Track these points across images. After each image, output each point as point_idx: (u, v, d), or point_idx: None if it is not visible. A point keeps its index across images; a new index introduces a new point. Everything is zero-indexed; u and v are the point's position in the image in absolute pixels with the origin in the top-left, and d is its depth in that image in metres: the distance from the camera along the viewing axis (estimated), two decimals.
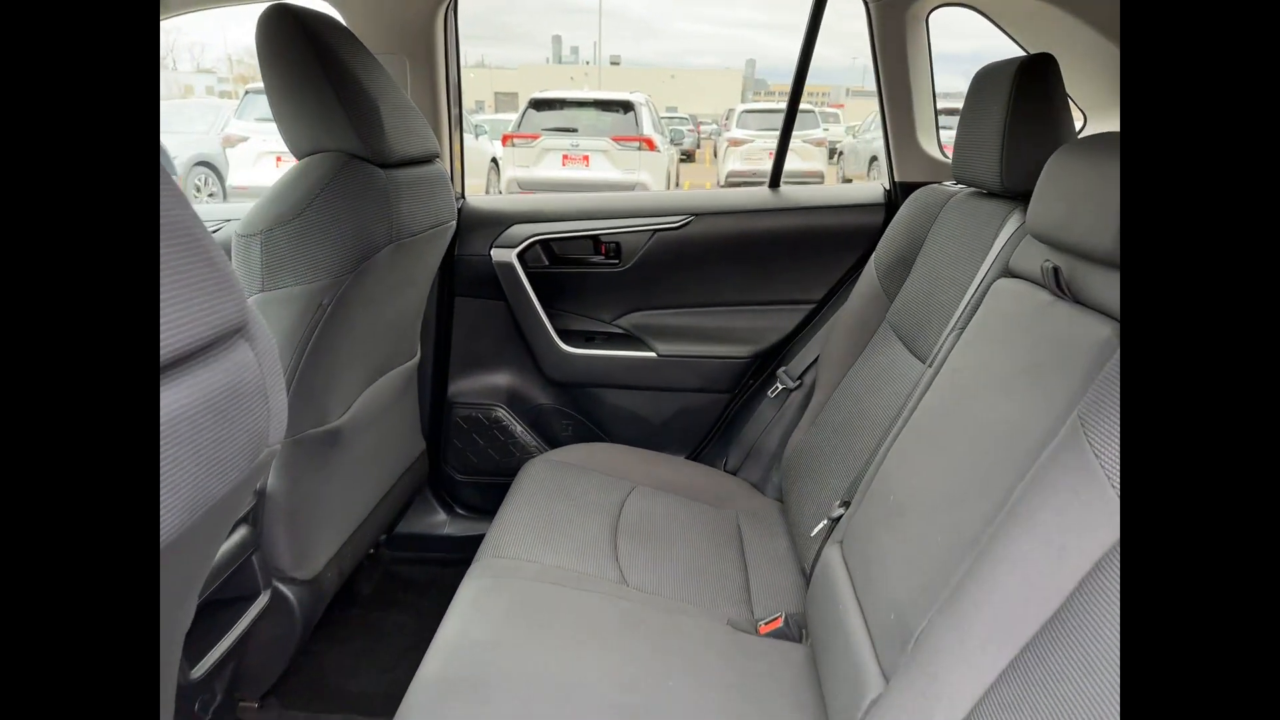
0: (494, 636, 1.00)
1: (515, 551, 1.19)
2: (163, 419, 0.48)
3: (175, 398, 0.49)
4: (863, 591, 0.98)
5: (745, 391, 1.72)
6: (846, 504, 1.14)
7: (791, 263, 1.68)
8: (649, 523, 1.33)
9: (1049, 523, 0.69)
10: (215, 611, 1.09)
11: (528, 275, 1.66)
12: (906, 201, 1.44)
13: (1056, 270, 0.88)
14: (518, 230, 1.66)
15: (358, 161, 1.10)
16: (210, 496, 0.53)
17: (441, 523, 1.79)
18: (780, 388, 1.62)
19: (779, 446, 1.58)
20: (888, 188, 1.70)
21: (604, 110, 9.25)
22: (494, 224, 1.67)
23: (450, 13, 1.59)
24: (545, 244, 1.69)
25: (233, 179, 8.03)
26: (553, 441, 1.77)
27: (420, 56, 1.56)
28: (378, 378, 1.36)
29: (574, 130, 8.90)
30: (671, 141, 11.26)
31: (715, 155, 13.11)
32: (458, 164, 1.71)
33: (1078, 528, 0.63)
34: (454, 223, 1.43)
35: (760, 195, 1.75)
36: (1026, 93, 1.10)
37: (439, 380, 1.73)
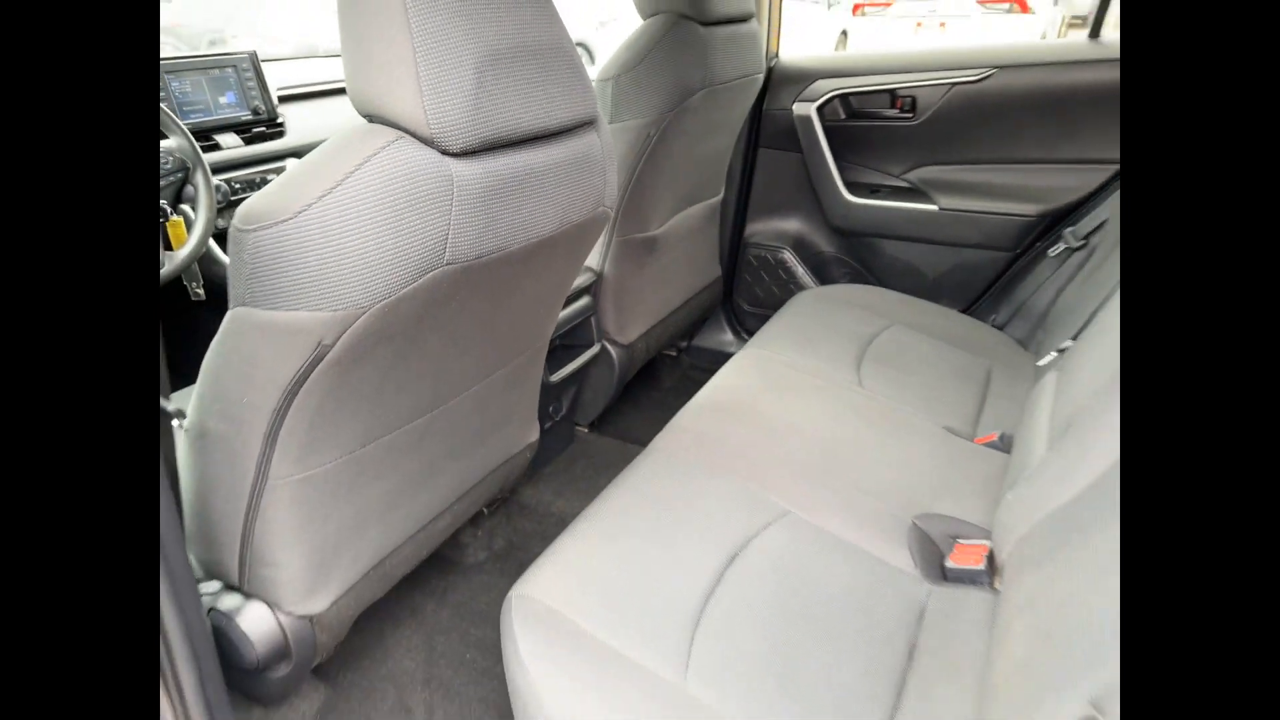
0: (746, 392, 1.33)
1: (773, 350, 1.49)
2: (543, 165, 0.84)
3: (551, 153, 0.85)
4: (1056, 405, 1.09)
5: (1028, 251, 1.73)
6: (1075, 338, 1.21)
7: (1101, 118, 1.60)
8: (897, 352, 1.51)
9: None
10: (568, 349, 1.59)
11: (824, 128, 1.84)
12: None
13: None
14: (820, 85, 1.84)
15: (685, 20, 1.40)
16: (568, 220, 0.91)
17: (730, 342, 2.16)
18: (1064, 247, 1.61)
19: (1050, 305, 1.60)
20: None
21: None
22: (801, 80, 1.87)
23: None
24: (844, 98, 1.85)
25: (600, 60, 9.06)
26: (830, 285, 1.99)
27: None
28: (687, 206, 1.71)
29: None
30: (1055, 1, 9.57)
31: None
32: (775, 26, 1.92)
33: None
34: (761, 75, 1.67)
35: (1077, 46, 1.66)
36: None
37: (738, 221, 2.04)
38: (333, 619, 1.01)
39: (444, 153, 0.72)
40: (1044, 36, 8.09)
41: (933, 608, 0.96)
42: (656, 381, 2.11)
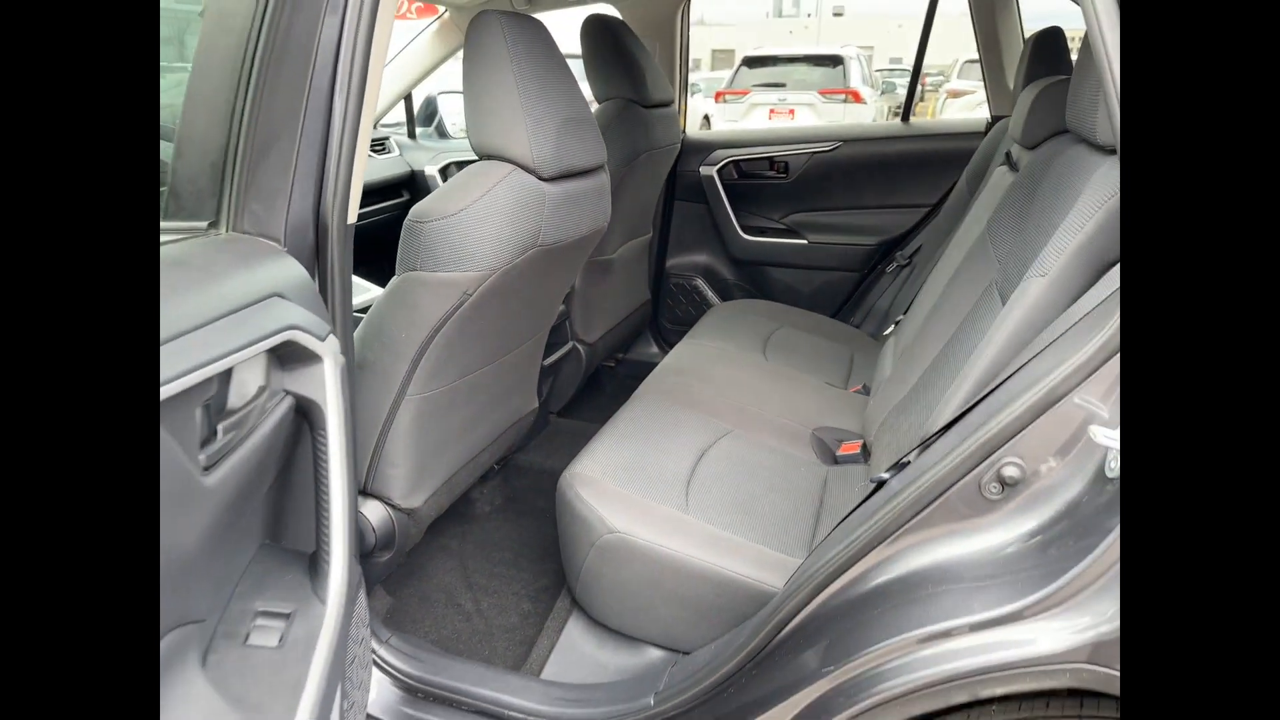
0: (693, 363, 1.83)
1: (703, 341, 2.01)
2: (583, 190, 1.33)
3: (587, 183, 1.34)
4: (895, 350, 1.68)
5: (873, 271, 2.39)
6: (905, 313, 1.82)
7: (915, 176, 2.30)
8: (789, 343, 2.08)
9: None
10: (550, 345, 2.04)
11: (723, 185, 2.45)
12: (993, 130, 2.02)
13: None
14: (719, 153, 2.46)
15: (633, 104, 1.95)
16: (593, 227, 1.39)
17: (656, 355, 2.68)
18: (895, 265, 2.27)
19: (889, 306, 2.25)
20: (989, 119, 2.26)
21: (814, 65, 9.66)
22: (705, 150, 2.48)
23: (685, 8, 2.40)
24: (736, 163, 2.47)
25: None
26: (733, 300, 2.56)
27: (665, 38, 2.38)
28: (630, 239, 2.24)
29: (782, 85, 9.43)
30: (882, 93, 11.32)
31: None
32: (682, 110, 2.53)
33: None
34: (679, 144, 2.25)
35: (896, 127, 2.38)
36: None
37: (661, 256, 2.60)
38: (423, 515, 1.39)
39: (540, 178, 1.20)
40: (874, 120, 9.57)
41: (831, 478, 1.48)
42: (600, 387, 2.57)
